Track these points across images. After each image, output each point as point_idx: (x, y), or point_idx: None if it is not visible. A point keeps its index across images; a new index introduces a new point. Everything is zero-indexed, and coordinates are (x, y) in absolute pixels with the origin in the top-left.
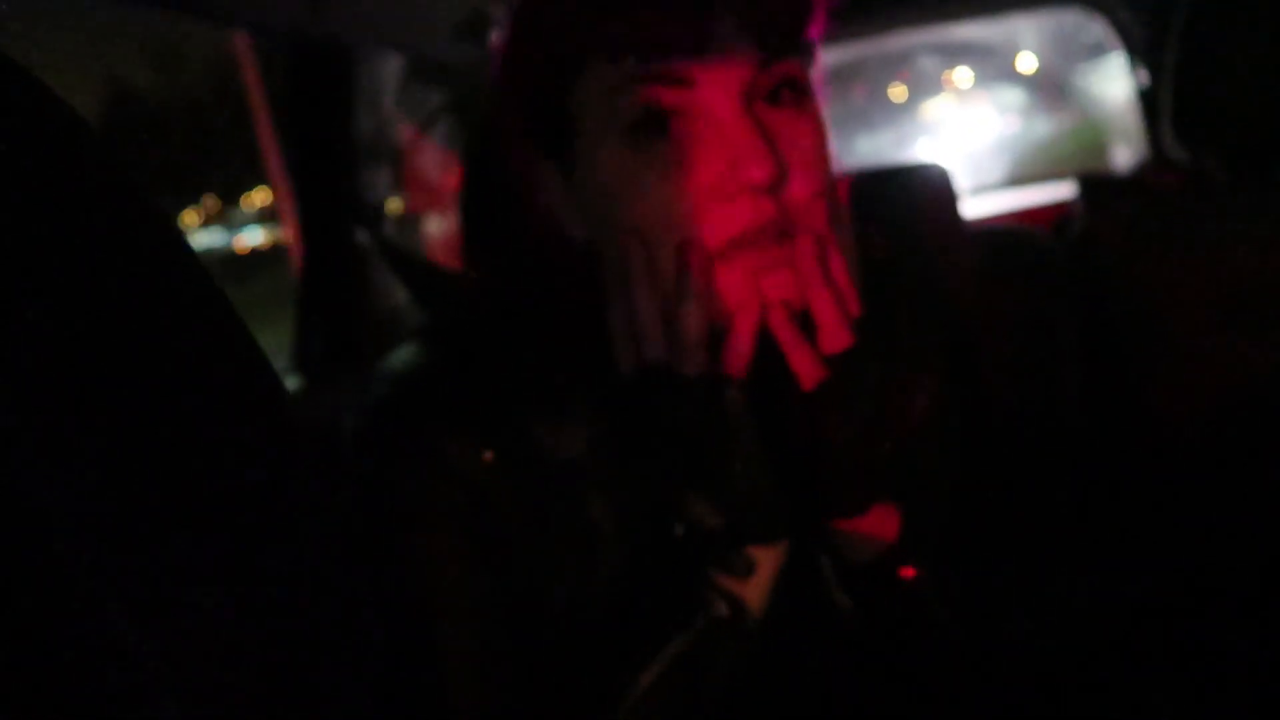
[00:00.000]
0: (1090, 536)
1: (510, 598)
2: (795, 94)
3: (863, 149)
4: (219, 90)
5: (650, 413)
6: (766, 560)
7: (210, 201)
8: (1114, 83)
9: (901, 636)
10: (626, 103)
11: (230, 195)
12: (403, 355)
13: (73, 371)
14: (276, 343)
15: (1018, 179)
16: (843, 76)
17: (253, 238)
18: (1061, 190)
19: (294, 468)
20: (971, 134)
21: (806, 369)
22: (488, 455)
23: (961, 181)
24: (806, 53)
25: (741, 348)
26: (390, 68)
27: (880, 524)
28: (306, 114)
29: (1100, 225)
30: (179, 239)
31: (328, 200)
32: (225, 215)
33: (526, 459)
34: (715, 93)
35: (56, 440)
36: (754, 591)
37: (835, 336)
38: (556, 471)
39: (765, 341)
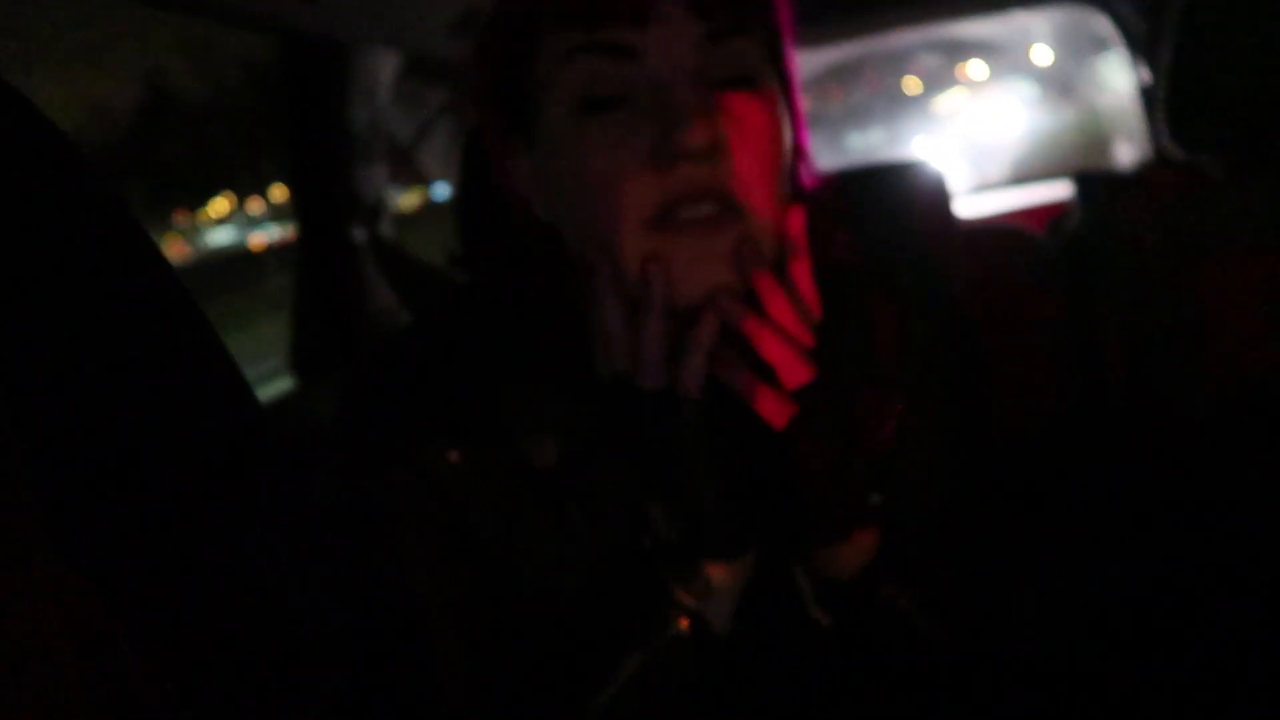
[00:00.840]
0: (1088, 540)
1: (476, 597)
2: (749, 83)
3: (868, 143)
4: (249, 87)
5: (618, 424)
6: (726, 578)
7: (224, 200)
8: (1119, 79)
9: (882, 652)
10: (575, 74)
11: (257, 191)
12: (380, 352)
13: (49, 373)
14: None
15: (1021, 176)
16: (848, 72)
17: (270, 233)
18: (1064, 188)
19: (260, 467)
20: (977, 128)
21: (772, 410)
22: (454, 455)
23: (964, 177)
24: (766, 40)
25: (696, 366)
26: (388, 65)
27: (858, 540)
28: (303, 112)
29: (1094, 223)
30: (154, 250)
31: (324, 199)
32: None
33: (497, 462)
34: (661, 65)
35: (37, 441)
36: (714, 609)
37: (793, 373)
38: (530, 478)
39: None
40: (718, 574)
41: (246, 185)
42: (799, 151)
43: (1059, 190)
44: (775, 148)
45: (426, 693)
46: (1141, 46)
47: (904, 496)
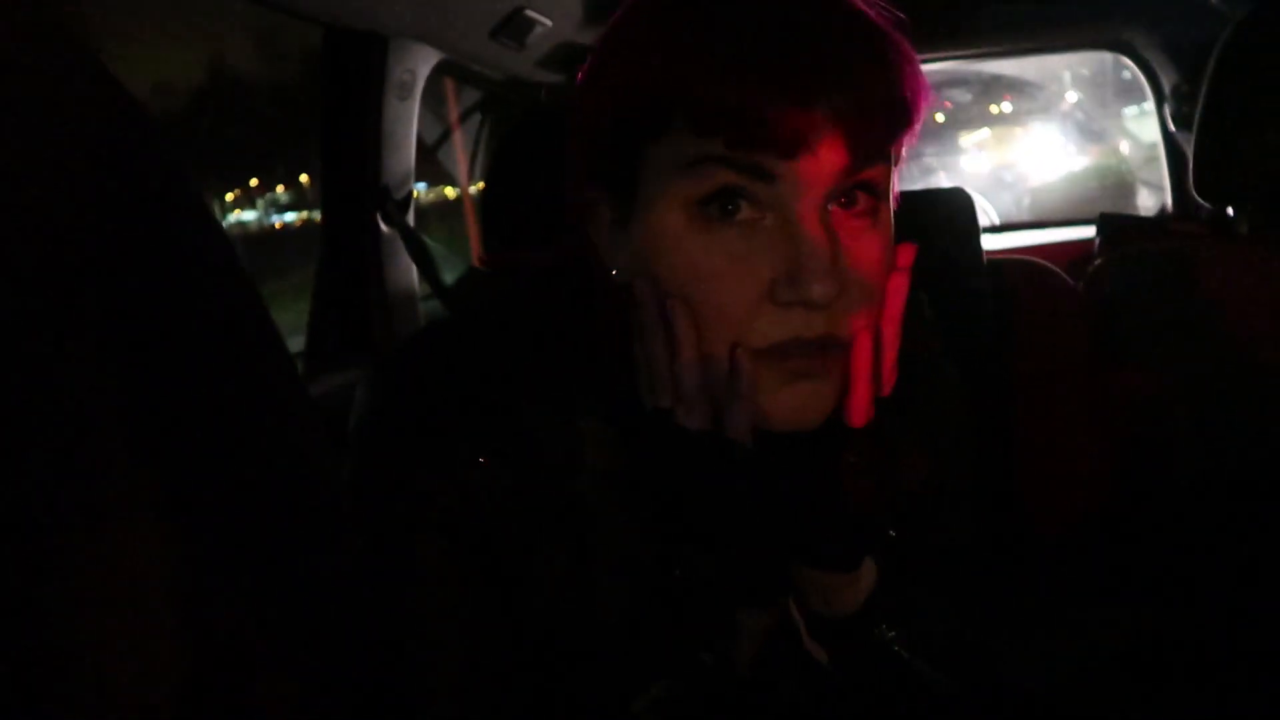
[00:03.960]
0: (1097, 591)
1: (490, 605)
2: (870, 198)
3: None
4: (303, 78)
5: (657, 459)
6: (755, 622)
7: (250, 184)
8: (1143, 127)
9: (879, 689)
10: (700, 179)
11: (285, 177)
12: (414, 348)
13: (148, 349)
14: None
15: (1040, 216)
16: None
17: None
18: (1085, 232)
19: (306, 445)
20: (999, 165)
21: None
22: (483, 460)
23: (984, 213)
24: (889, 159)
25: (740, 414)
26: (427, 61)
27: (864, 572)
28: (339, 99)
29: (1115, 266)
30: (216, 224)
31: (353, 188)
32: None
33: (523, 477)
34: (795, 192)
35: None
36: (741, 649)
37: (857, 414)
38: (555, 500)
39: None
40: (748, 617)
41: (276, 171)
42: None
43: (1077, 232)
44: (885, 271)
45: (418, 701)
46: (1169, 97)
47: (917, 536)
